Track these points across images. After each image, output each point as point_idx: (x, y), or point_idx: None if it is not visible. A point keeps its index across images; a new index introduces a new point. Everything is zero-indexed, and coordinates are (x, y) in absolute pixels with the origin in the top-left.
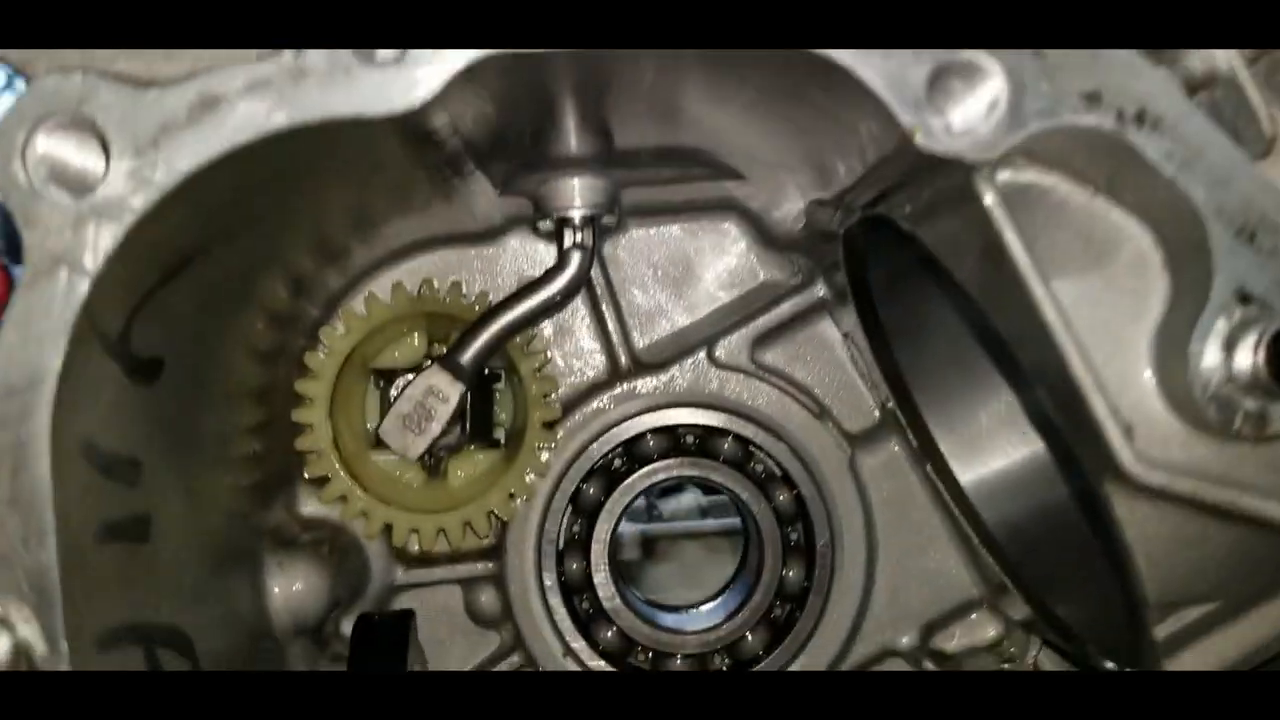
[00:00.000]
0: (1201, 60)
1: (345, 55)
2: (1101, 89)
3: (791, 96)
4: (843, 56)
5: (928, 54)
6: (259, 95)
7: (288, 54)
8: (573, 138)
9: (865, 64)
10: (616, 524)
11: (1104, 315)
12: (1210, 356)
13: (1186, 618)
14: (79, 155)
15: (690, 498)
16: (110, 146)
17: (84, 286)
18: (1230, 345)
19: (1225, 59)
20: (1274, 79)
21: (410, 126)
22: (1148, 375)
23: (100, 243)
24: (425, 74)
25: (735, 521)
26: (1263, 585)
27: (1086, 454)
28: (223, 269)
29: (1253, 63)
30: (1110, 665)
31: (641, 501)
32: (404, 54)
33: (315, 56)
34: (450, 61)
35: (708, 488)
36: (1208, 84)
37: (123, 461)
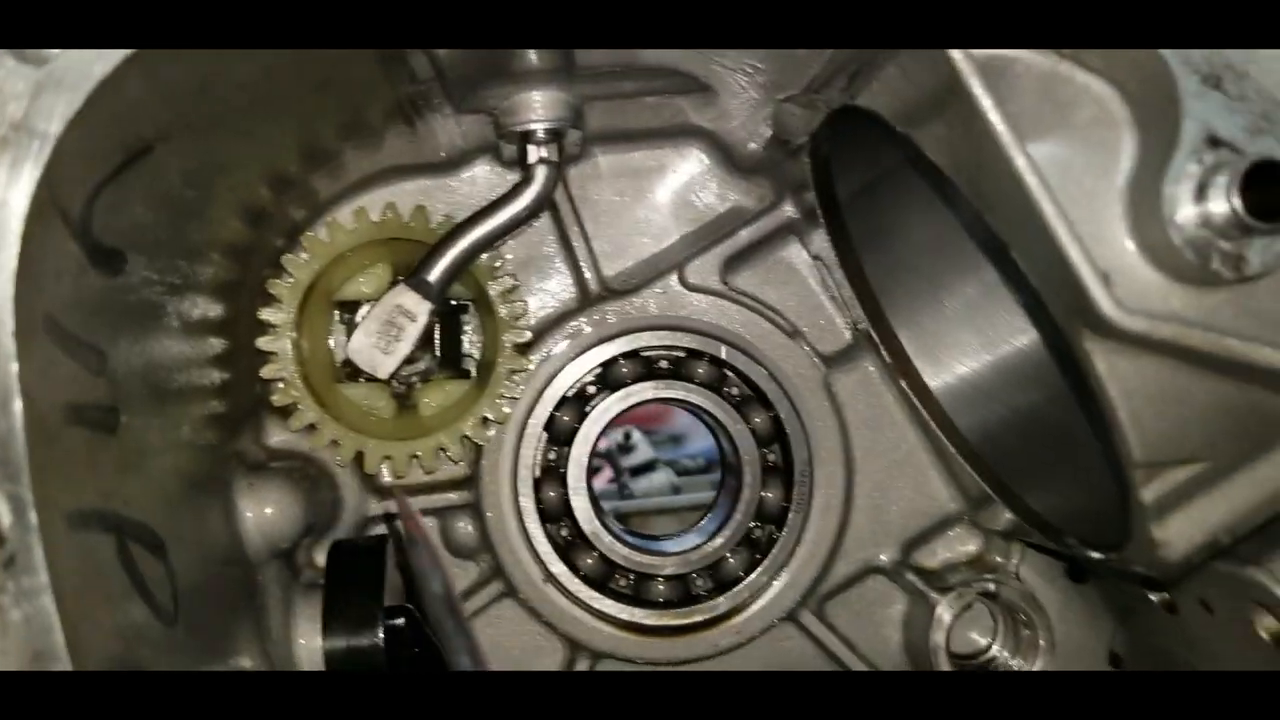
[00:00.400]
0: None
1: None
2: None
3: None
4: None
5: None
6: None
7: None
8: (536, 54)
9: None
10: (593, 449)
11: (1075, 172)
12: (1184, 202)
13: (1173, 480)
14: None
15: (662, 476)
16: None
17: (44, 152)
18: (1202, 189)
19: None
20: None
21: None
22: (1123, 228)
23: (57, 110)
24: None
25: (707, 495)
26: (1249, 444)
27: (1067, 314)
28: (183, 173)
29: None
30: (1096, 555)
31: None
32: None
33: None
34: None
35: (684, 471)
36: None
37: (86, 346)
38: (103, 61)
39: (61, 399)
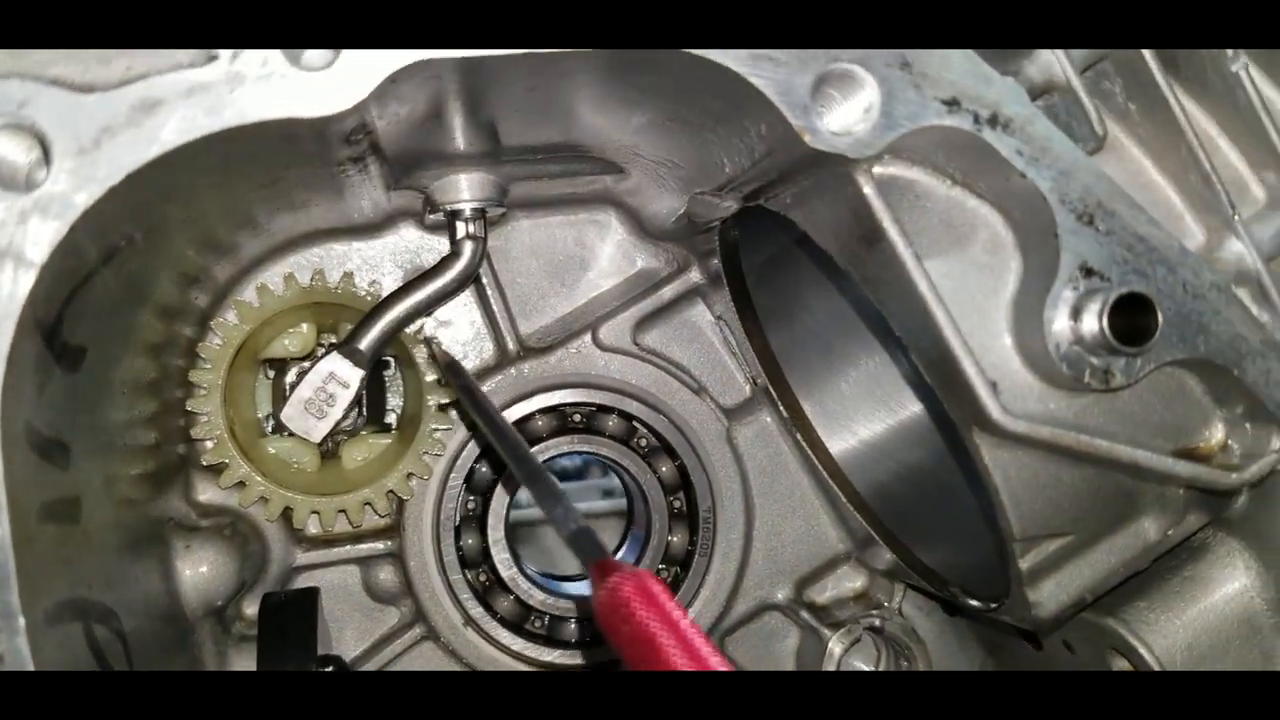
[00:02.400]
0: (1039, 70)
1: (278, 61)
2: (959, 96)
3: (681, 100)
4: (736, 65)
5: (811, 63)
6: (196, 99)
7: (224, 58)
8: (467, 136)
9: (756, 72)
10: (511, 499)
11: (968, 289)
12: (1061, 321)
13: (1046, 550)
14: (21, 155)
15: None
16: (51, 147)
17: (29, 278)
18: (1077, 312)
19: (1060, 69)
20: (1100, 87)
21: (333, 128)
22: (1007, 339)
23: (44, 237)
24: (354, 79)
25: (589, 506)
26: (1109, 520)
27: (955, 409)
28: (136, 263)
29: (1083, 72)
30: (975, 603)
31: None
32: (335, 58)
33: (249, 61)
34: (378, 67)
35: (563, 475)
36: (1047, 90)
37: (55, 445)
38: (86, 191)
39: (37, 501)
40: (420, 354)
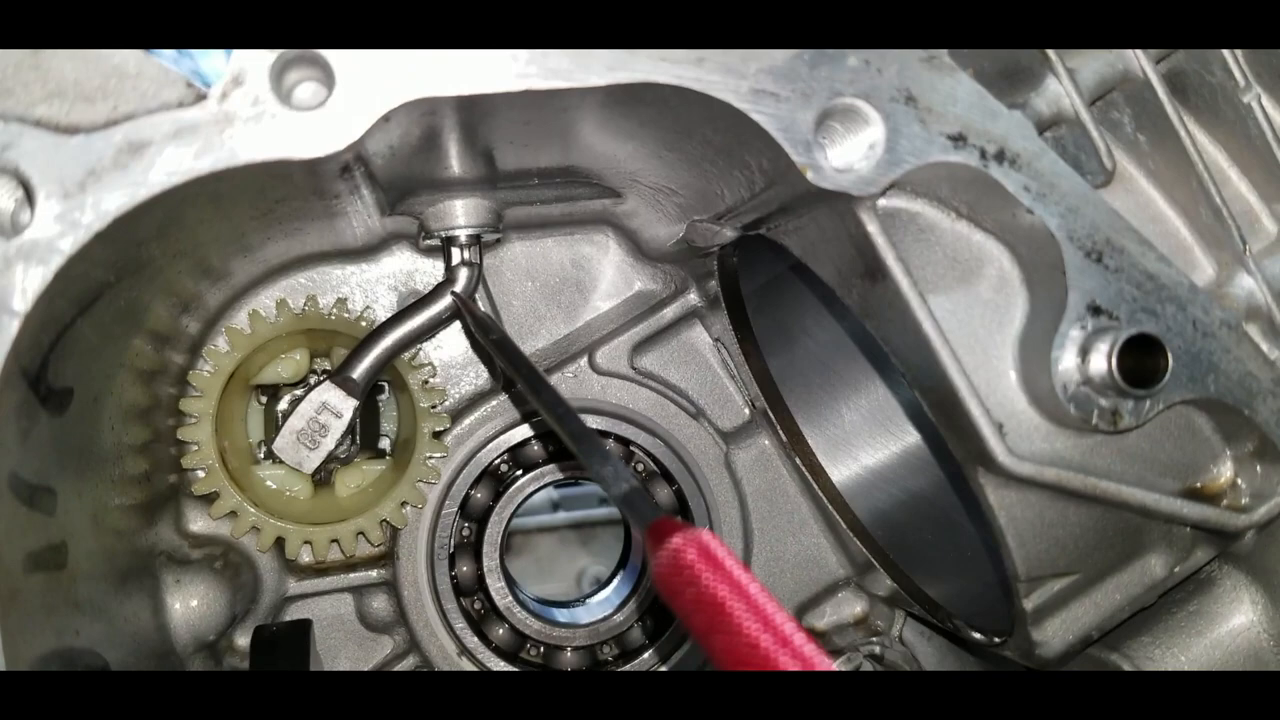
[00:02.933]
0: (1047, 103)
1: (269, 100)
2: (965, 131)
3: (682, 133)
4: (737, 102)
5: (814, 99)
6: (185, 141)
7: (213, 97)
8: (463, 164)
9: (758, 108)
10: (506, 526)
11: (972, 326)
12: (1068, 361)
13: (1051, 589)
14: (4, 199)
15: (542, 494)
16: (35, 191)
17: (13, 327)
18: (1085, 352)
19: (1069, 102)
20: (1109, 118)
21: (326, 165)
22: (1013, 378)
23: (28, 284)
24: (348, 118)
25: (586, 514)
26: (1115, 558)
27: (959, 449)
28: (124, 297)
29: (1092, 104)
30: (977, 636)
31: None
32: (327, 96)
33: (239, 100)
34: (372, 106)
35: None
36: (1055, 123)
37: (41, 491)
38: (71, 235)
39: (22, 553)
40: (414, 380)
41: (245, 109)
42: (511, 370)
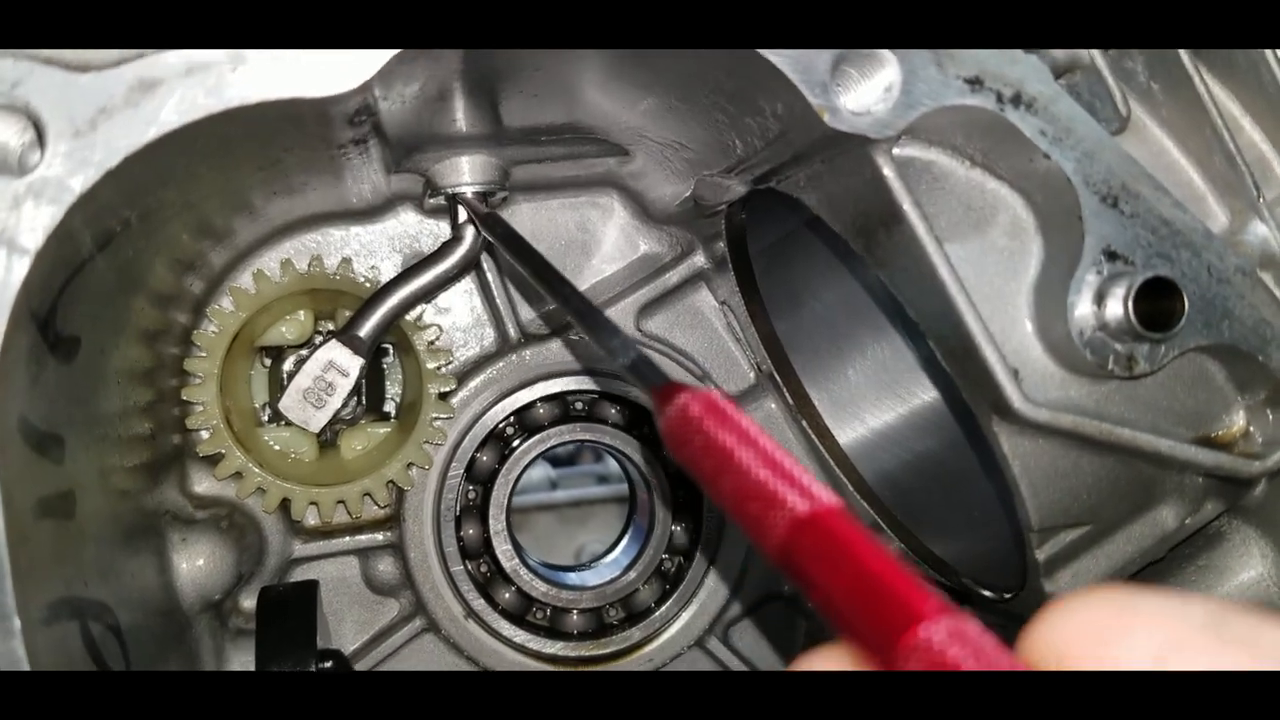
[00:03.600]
0: (1063, 49)
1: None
2: (982, 74)
3: (694, 81)
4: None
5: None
6: (197, 79)
7: None
8: (470, 116)
9: (775, 51)
10: (512, 490)
11: (988, 274)
12: (1084, 307)
13: (1063, 540)
14: (14, 137)
15: (540, 472)
16: (46, 129)
17: (24, 265)
18: (1100, 297)
19: (1085, 49)
20: (1123, 66)
21: (337, 108)
22: (1028, 325)
23: (39, 222)
24: (360, 58)
25: (585, 492)
26: (1127, 509)
27: (974, 398)
28: (131, 248)
29: (1107, 52)
30: (988, 594)
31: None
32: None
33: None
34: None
35: (557, 461)
36: (1070, 70)
37: (50, 439)
38: (82, 174)
39: (33, 497)
40: (420, 340)
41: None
42: (519, 260)
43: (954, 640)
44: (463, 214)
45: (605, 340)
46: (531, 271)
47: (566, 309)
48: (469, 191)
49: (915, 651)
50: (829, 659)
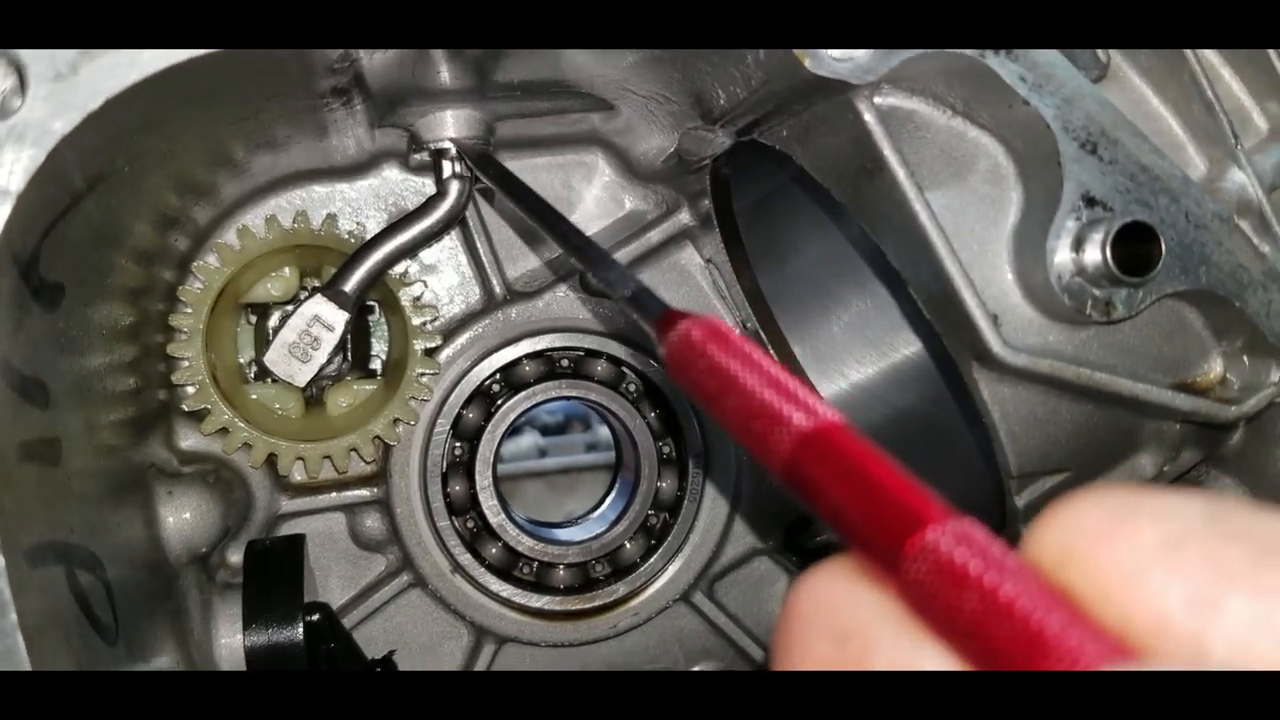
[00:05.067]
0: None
1: None
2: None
3: None
4: None
5: None
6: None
7: None
8: (453, 70)
9: None
10: (498, 445)
11: (968, 221)
12: (1062, 253)
13: (1043, 487)
14: None
15: (529, 440)
16: (27, 71)
17: (5, 208)
18: (1079, 243)
19: None
20: None
21: (317, 53)
22: (1008, 271)
23: (20, 164)
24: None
25: (574, 460)
26: (1107, 455)
27: (955, 344)
28: (115, 197)
29: None
30: None
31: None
32: None
33: None
34: None
35: (546, 429)
36: None
37: (34, 384)
38: (64, 116)
39: (15, 440)
40: (405, 297)
41: None
42: (513, 199)
43: (959, 542)
44: (447, 169)
45: (604, 273)
46: (527, 209)
47: (564, 245)
48: (452, 147)
49: (921, 555)
50: (837, 570)
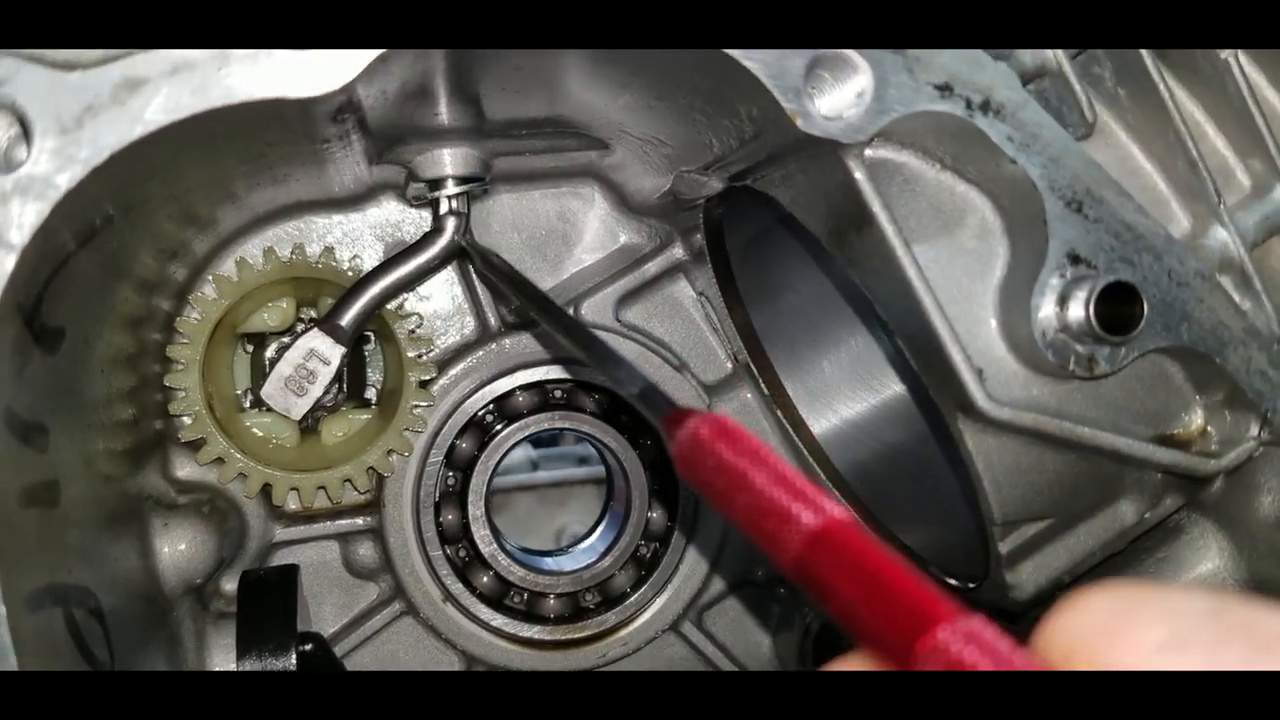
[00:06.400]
0: (1032, 56)
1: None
2: (951, 81)
3: (670, 80)
4: (728, 48)
5: (803, 49)
6: (182, 78)
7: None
8: (453, 111)
9: (749, 55)
10: (491, 476)
11: (955, 275)
12: (1047, 309)
13: (1026, 534)
14: (0, 134)
15: (521, 453)
16: (32, 126)
17: (10, 261)
18: (1063, 300)
19: (1053, 55)
20: (1091, 72)
21: (320, 107)
22: (993, 325)
23: (25, 219)
24: (344, 58)
25: (566, 473)
26: (1089, 503)
27: (940, 395)
28: (116, 240)
29: (1074, 58)
30: (953, 583)
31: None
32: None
33: None
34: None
35: (539, 442)
36: (1038, 75)
37: (34, 429)
38: (68, 171)
39: (17, 486)
40: (401, 329)
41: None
42: (517, 294)
43: (969, 642)
44: (444, 204)
45: (612, 371)
46: (533, 305)
47: (571, 342)
48: (451, 183)
49: (932, 654)
50: (850, 666)
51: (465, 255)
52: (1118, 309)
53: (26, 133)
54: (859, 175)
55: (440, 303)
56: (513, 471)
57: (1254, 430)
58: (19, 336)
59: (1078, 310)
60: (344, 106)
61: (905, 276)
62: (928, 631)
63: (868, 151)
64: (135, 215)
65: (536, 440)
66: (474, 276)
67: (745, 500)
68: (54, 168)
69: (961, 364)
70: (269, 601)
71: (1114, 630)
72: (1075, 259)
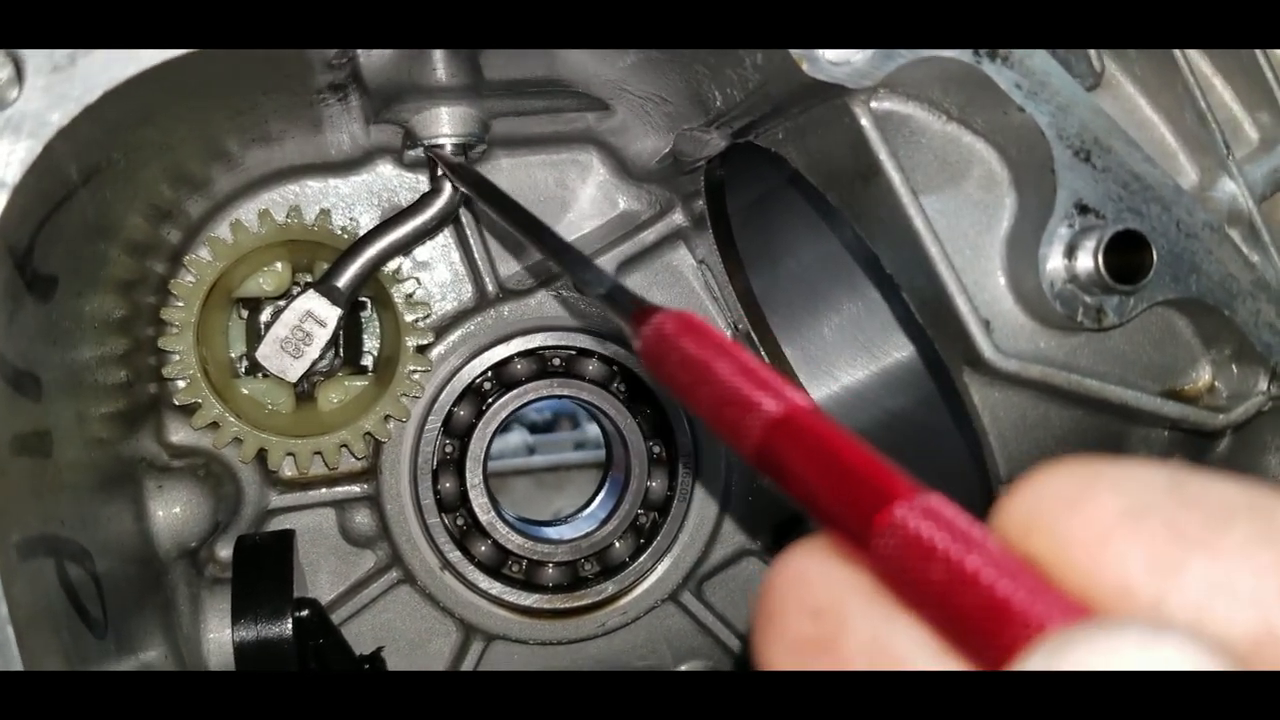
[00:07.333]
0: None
1: None
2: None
3: None
4: None
5: None
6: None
7: None
8: (450, 68)
9: None
10: (489, 443)
11: (962, 226)
12: (1055, 259)
13: None
14: None
15: (517, 437)
16: (24, 64)
17: (1, 200)
18: (1071, 250)
19: None
20: None
21: (316, 50)
22: (1000, 277)
23: (16, 155)
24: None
25: (561, 458)
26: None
27: (946, 349)
28: (109, 190)
29: None
30: None
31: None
32: None
33: None
34: None
35: (535, 427)
36: None
37: (27, 376)
38: (60, 108)
39: (9, 433)
40: (398, 293)
41: None
42: (491, 205)
43: (926, 517)
44: (441, 166)
45: (580, 273)
46: (504, 214)
47: (541, 246)
48: (448, 144)
49: (890, 530)
50: (811, 548)
51: (460, 217)
52: (1127, 258)
53: (19, 71)
54: (865, 123)
55: (438, 269)
56: (509, 456)
57: (1262, 384)
58: (10, 280)
59: (1086, 260)
60: (339, 53)
61: (912, 227)
62: (885, 509)
63: (874, 103)
64: (130, 164)
65: (533, 425)
66: (471, 244)
67: (708, 392)
68: (46, 105)
69: (969, 315)
70: (265, 566)
71: (1072, 502)
72: (1083, 209)
